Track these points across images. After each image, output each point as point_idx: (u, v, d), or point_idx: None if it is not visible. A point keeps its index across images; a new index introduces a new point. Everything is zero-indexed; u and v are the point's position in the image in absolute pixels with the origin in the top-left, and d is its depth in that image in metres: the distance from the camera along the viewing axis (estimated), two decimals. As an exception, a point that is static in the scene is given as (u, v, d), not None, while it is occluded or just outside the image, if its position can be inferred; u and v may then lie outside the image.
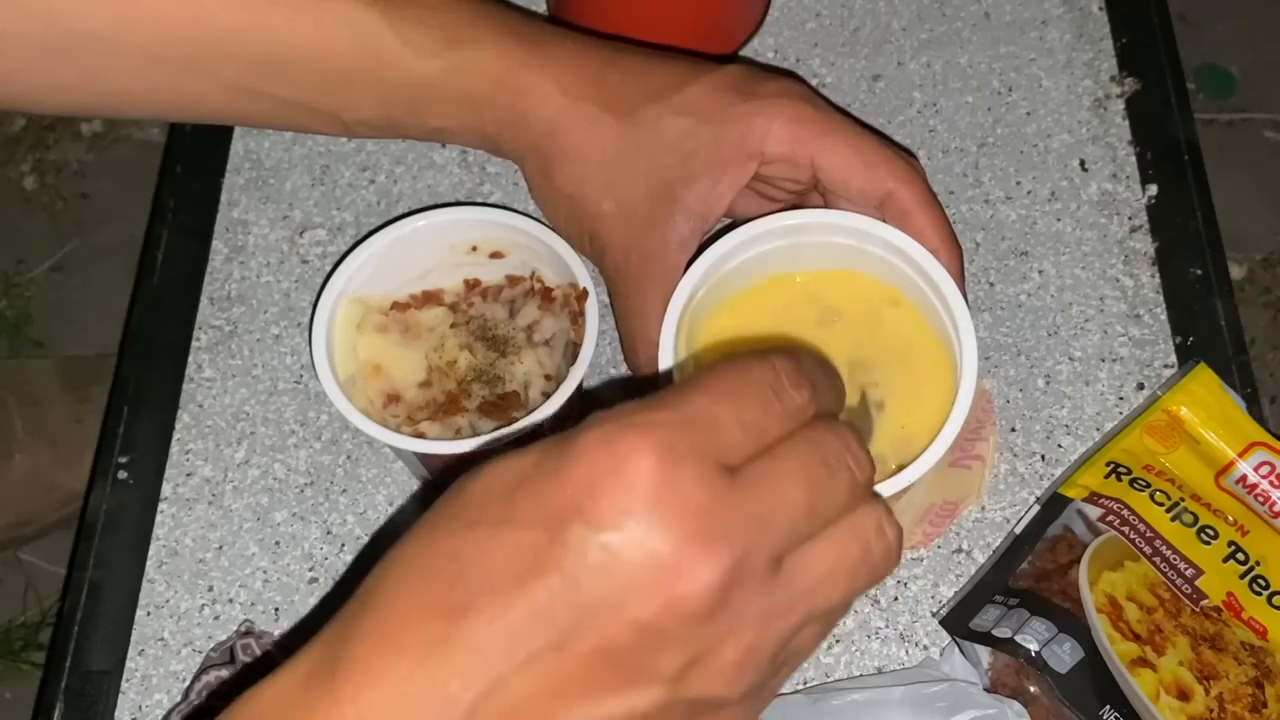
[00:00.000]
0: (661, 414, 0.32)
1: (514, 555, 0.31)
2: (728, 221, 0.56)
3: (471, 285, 0.59)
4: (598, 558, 0.30)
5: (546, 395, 0.55)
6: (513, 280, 0.59)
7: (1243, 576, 0.54)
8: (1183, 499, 0.56)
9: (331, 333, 0.56)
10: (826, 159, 0.53)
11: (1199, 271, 0.65)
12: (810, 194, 0.57)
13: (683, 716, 0.33)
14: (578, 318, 0.56)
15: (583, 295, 0.56)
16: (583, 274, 0.56)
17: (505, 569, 0.31)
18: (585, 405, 0.58)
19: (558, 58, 0.56)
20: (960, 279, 0.54)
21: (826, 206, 0.56)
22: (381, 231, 0.58)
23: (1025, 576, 0.55)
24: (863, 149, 0.54)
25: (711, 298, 0.54)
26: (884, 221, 0.54)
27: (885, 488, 0.49)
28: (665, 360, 0.51)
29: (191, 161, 0.70)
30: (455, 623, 0.31)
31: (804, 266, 0.55)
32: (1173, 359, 0.63)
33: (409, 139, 0.66)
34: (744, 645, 0.32)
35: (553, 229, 0.58)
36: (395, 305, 0.58)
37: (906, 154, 0.56)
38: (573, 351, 0.56)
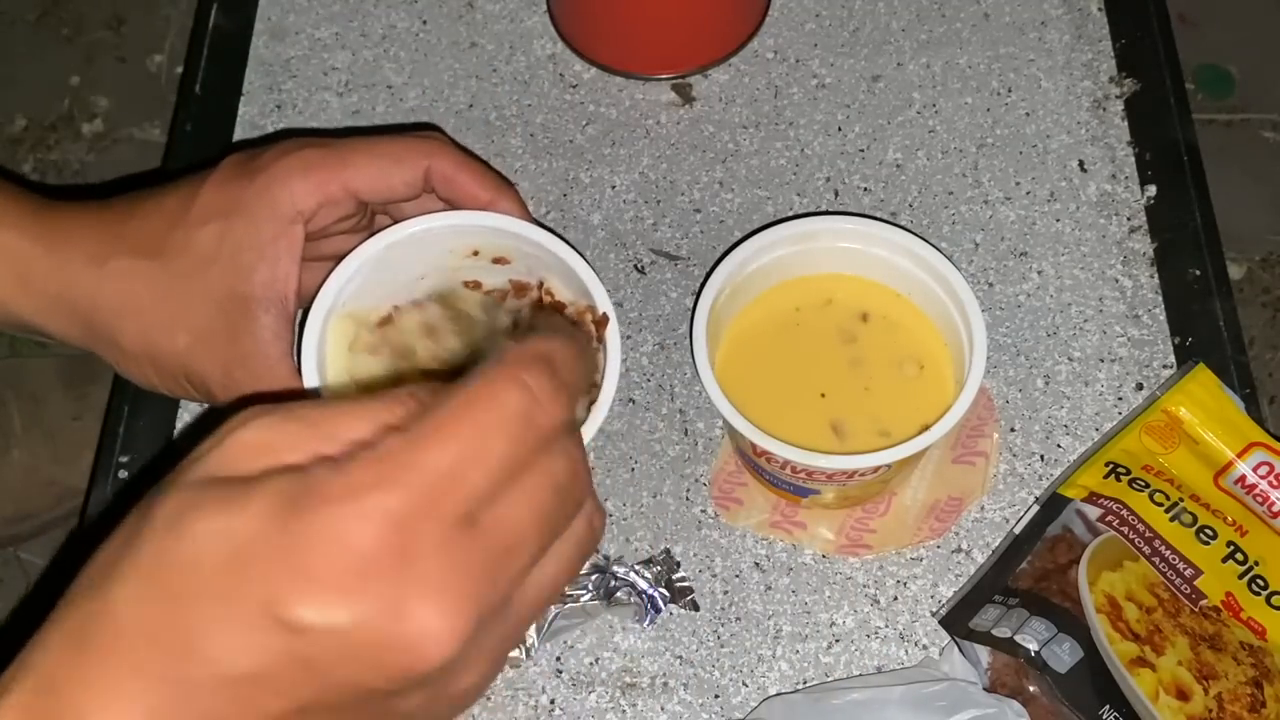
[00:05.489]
0: (401, 483, 0.31)
1: (242, 642, 0.31)
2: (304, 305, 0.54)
3: (472, 287, 0.55)
4: (330, 643, 0.30)
5: None
6: (518, 287, 0.55)
7: (1241, 576, 0.54)
8: (1182, 499, 0.56)
9: (323, 353, 0.52)
10: (357, 179, 0.53)
11: (1198, 272, 0.65)
12: (378, 218, 0.56)
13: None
14: (593, 342, 0.51)
15: (602, 321, 0.51)
16: (602, 296, 0.51)
17: (234, 655, 0.31)
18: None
19: (74, 232, 0.54)
20: (526, 215, 0.54)
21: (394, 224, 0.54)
22: (374, 239, 0.53)
23: (1025, 576, 0.55)
24: (381, 151, 0.53)
25: (735, 299, 0.58)
26: (494, 209, 0.54)
27: (886, 455, 0.52)
28: None
29: (191, 163, 0.70)
30: (190, 698, 0.31)
31: (816, 270, 0.59)
32: (1171, 359, 0.63)
33: None
34: (481, 671, 0.34)
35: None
36: (387, 318, 0.54)
37: (424, 131, 0.55)
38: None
